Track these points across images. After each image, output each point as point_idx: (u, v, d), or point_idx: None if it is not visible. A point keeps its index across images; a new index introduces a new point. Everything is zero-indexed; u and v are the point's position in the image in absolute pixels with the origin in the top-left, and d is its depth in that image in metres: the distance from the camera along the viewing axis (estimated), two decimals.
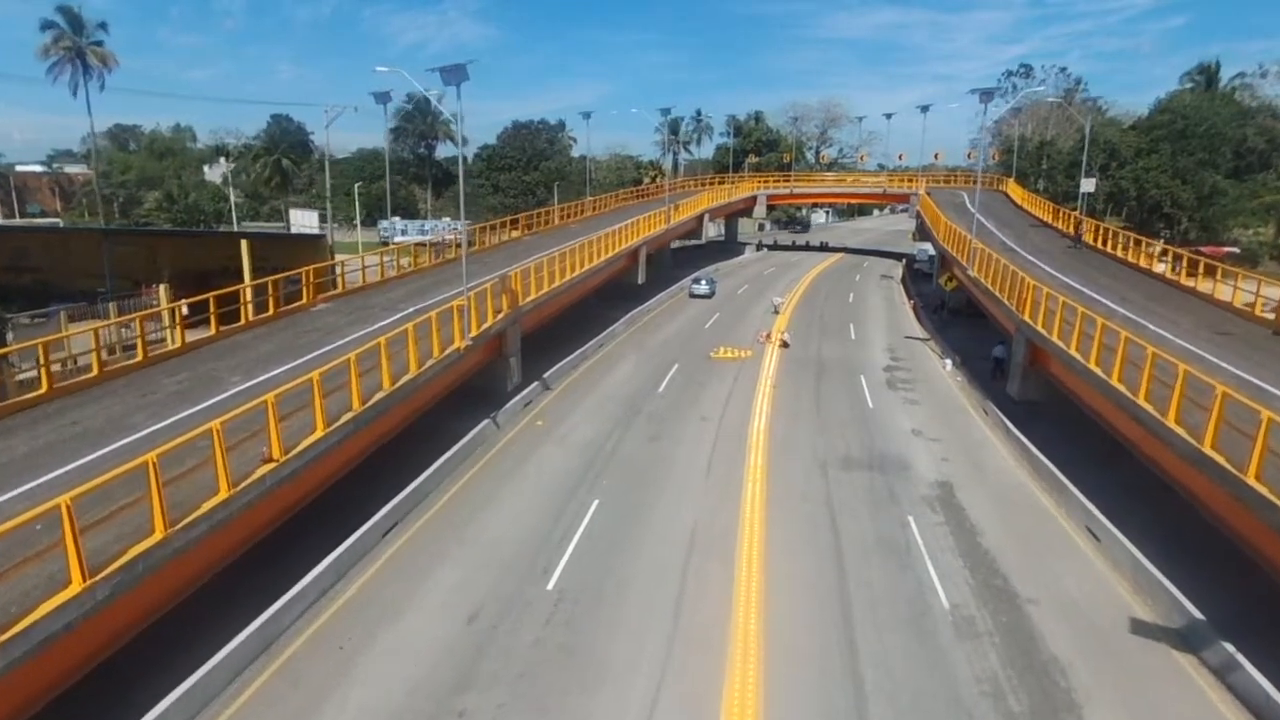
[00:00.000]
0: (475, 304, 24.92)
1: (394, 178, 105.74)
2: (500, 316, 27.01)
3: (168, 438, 14.20)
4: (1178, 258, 34.31)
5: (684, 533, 19.06)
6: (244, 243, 39.54)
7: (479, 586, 16.55)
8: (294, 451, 15.27)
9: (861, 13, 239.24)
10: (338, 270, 36.59)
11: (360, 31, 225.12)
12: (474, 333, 24.38)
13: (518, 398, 28.57)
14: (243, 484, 13.81)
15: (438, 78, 23.50)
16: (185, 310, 26.90)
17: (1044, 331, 24.20)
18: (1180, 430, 16.19)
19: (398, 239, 78.60)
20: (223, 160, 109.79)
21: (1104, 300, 29.16)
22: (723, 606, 15.91)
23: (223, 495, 13.28)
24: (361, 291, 32.03)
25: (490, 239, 47.88)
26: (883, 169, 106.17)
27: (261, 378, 19.88)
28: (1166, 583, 16.21)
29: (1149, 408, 17.60)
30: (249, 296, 26.24)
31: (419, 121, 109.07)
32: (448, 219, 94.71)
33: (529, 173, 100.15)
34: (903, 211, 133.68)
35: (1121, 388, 18.99)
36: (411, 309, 27.88)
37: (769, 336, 40.90)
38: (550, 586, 16.56)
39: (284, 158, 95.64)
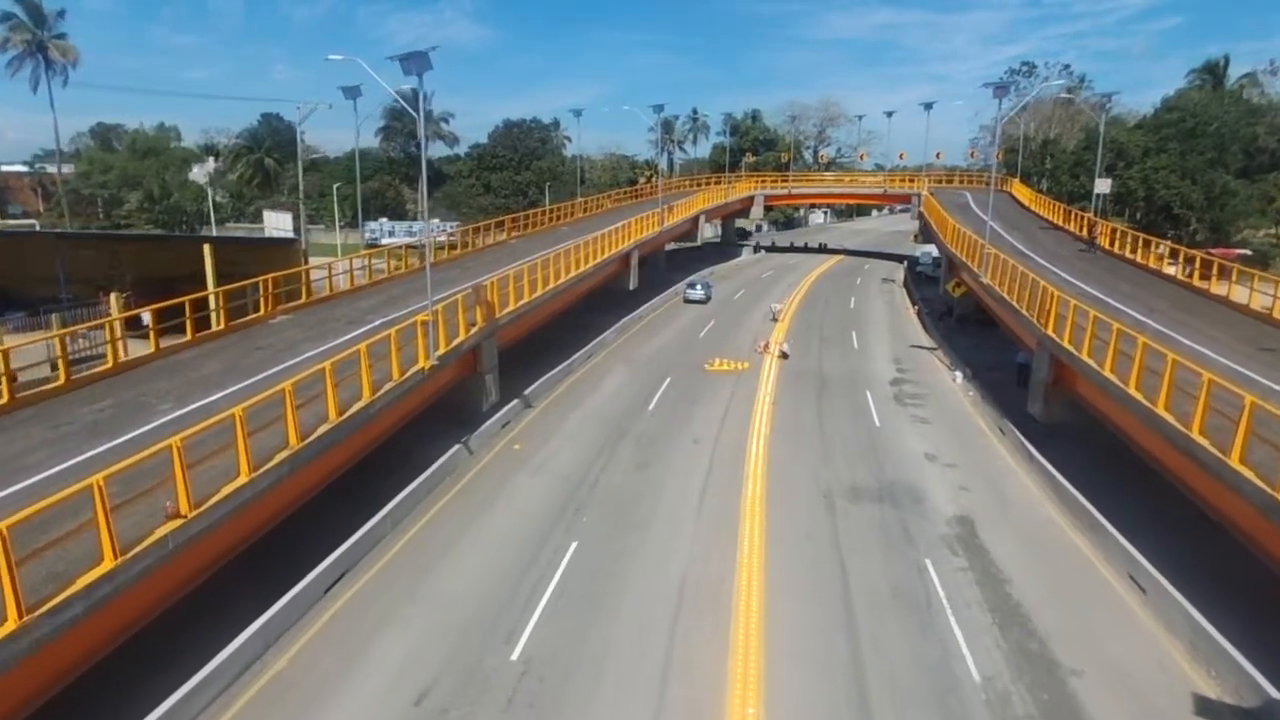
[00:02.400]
0: (444, 318, 22.59)
1: (383, 177, 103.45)
2: (474, 330, 24.66)
3: (67, 482, 11.93)
4: (1205, 263, 32.01)
5: (673, 584, 16.70)
6: (206, 247, 37.49)
7: (432, 656, 14.17)
8: (209, 503, 12.90)
9: (858, 13, 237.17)
10: (311, 277, 34.45)
11: (356, 31, 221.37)
12: (441, 350, 22.02)
13: (494, 418, 26.20)
14: (136, 549, 11.45)
15: (423, 73, 21.07)
16: (145, 319, 24.73)
17: (1073, 349, 21.86)
18: (1250, 474, 13.89)
19: (385, 241, 76.20)
20: (211, 160, 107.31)
21: (1130, 311, 26.87)
22: (716, 683, 13.56)
23: (107, 566, 10.92)
24: (329, 301, 29.66)
25: (477, 241, 45.56)
26: (880, 169, 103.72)
27: (196, 404, 17.53)
28: (1233, 651, 13.91)
29: (1207, 444, 15.30)
30: (200, 308, 23.88)
31: (408, 120, 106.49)
32: (436, 220, 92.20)
33: (521, 172, 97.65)
34: (902, 212, 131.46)
35: (1170, 418, 16.67)
36: (379, 321, 25.58)
37: (767, 346, 38.62)
38: (515, 656, 14.18)
39: (267, 156, 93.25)
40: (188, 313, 22.95)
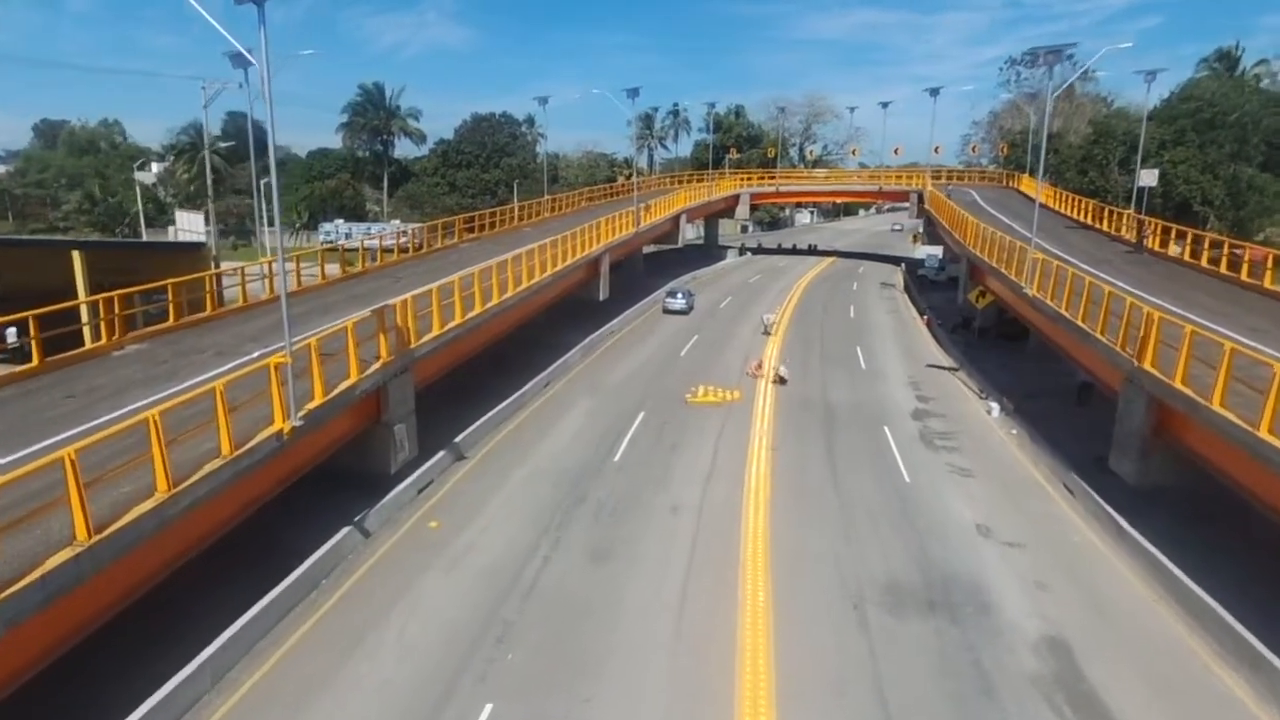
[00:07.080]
0: (319, 354, 16.23)
1: (341, 176, 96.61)
2: (375, 367, 18.31)
3: None
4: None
5: None
6: (75, 254, 31.04)
7: None
8: None
9: (839, 14, 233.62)
10: (220, 285, 28.12)
11: (336, 33, 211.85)
12: (316, 402, 15.68)
13: (408, 481, 19.82)
14: None
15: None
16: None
17: (1196, 396, 15.68)
18: None
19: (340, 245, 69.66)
20: (170, 158, 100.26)
21: (1225, 330, 20.93)
22: None
23: None
24: (211, 320, 23.23)
25: (431, 244, 39.13)
26: (864, 166, 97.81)
27: None
28: None
29: None
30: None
31: (371, 115, 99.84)
32: (397, 221, 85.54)
33: (489, 170, 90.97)
34: (890, 211, 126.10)
35: None
36: (260, 351, 19.26)
37: (760, 367, 32.49)
38: None
39: (215, 154, 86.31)
40: None
